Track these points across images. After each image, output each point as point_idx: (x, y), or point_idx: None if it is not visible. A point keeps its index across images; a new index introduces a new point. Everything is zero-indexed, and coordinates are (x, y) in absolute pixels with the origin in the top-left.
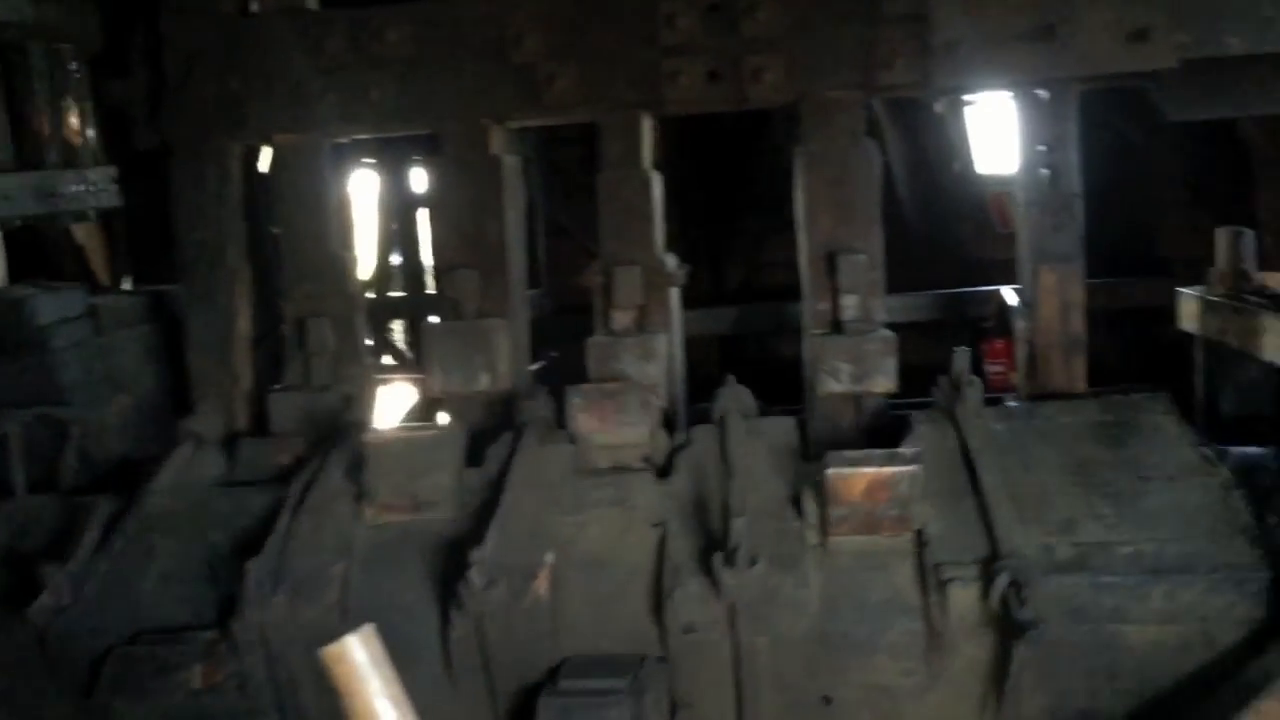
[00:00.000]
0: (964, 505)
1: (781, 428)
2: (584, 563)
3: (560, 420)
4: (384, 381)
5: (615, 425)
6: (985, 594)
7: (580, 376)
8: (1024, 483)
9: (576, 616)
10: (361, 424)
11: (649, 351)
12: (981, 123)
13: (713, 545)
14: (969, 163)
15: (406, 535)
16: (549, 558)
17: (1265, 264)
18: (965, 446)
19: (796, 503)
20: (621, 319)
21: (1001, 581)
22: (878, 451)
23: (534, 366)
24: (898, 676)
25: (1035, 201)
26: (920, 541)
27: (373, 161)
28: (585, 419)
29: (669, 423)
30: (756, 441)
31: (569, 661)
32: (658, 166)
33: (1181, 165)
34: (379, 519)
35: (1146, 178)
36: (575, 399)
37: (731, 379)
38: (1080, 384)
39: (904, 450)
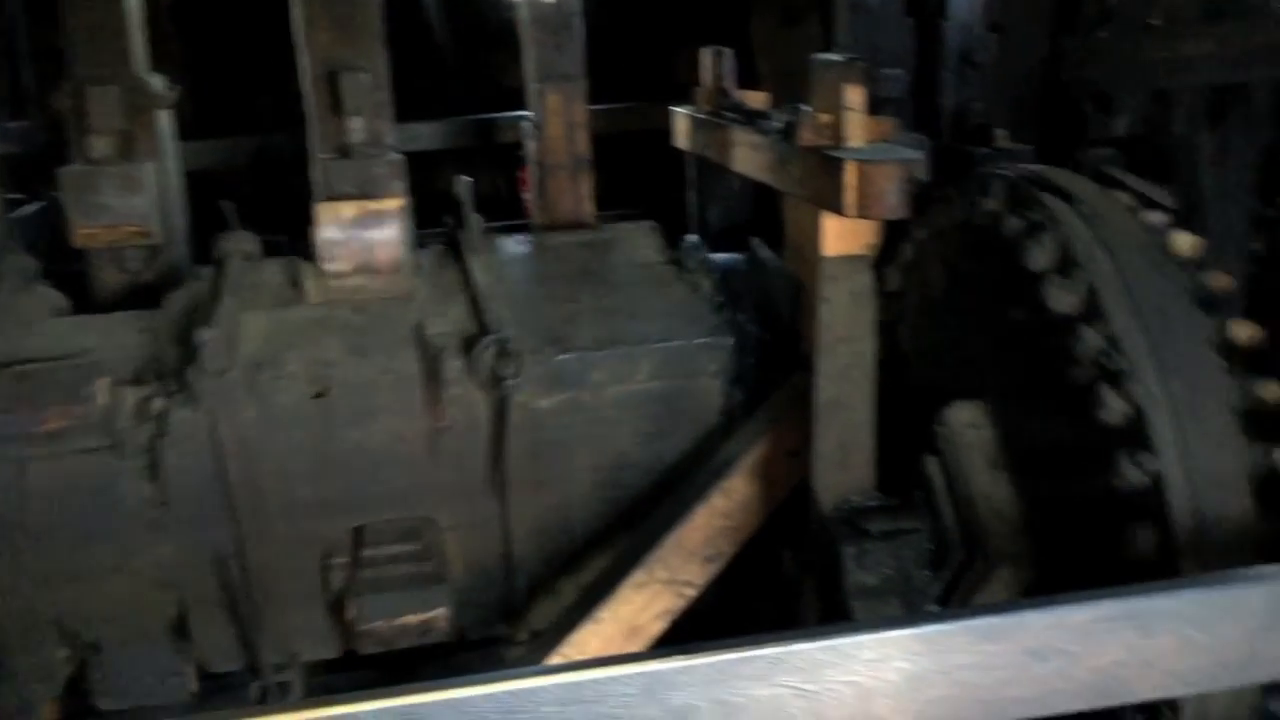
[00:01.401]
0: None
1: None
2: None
3: None
4: None
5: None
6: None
7: None
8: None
9: None
10: None
11: (133, 182)
12: None
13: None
14: None
15: None
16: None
17: (757, 84)
18: (469, 280)
19: None
20: (99, 146)
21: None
22: None
23: (27, 209)
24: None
25: (537, 20)
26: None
27: None
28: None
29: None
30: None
31: None
32: None
33: None
34: None
35: (662, 4)
36: None
37: (228, 207)
38: (587, 204)
39: None
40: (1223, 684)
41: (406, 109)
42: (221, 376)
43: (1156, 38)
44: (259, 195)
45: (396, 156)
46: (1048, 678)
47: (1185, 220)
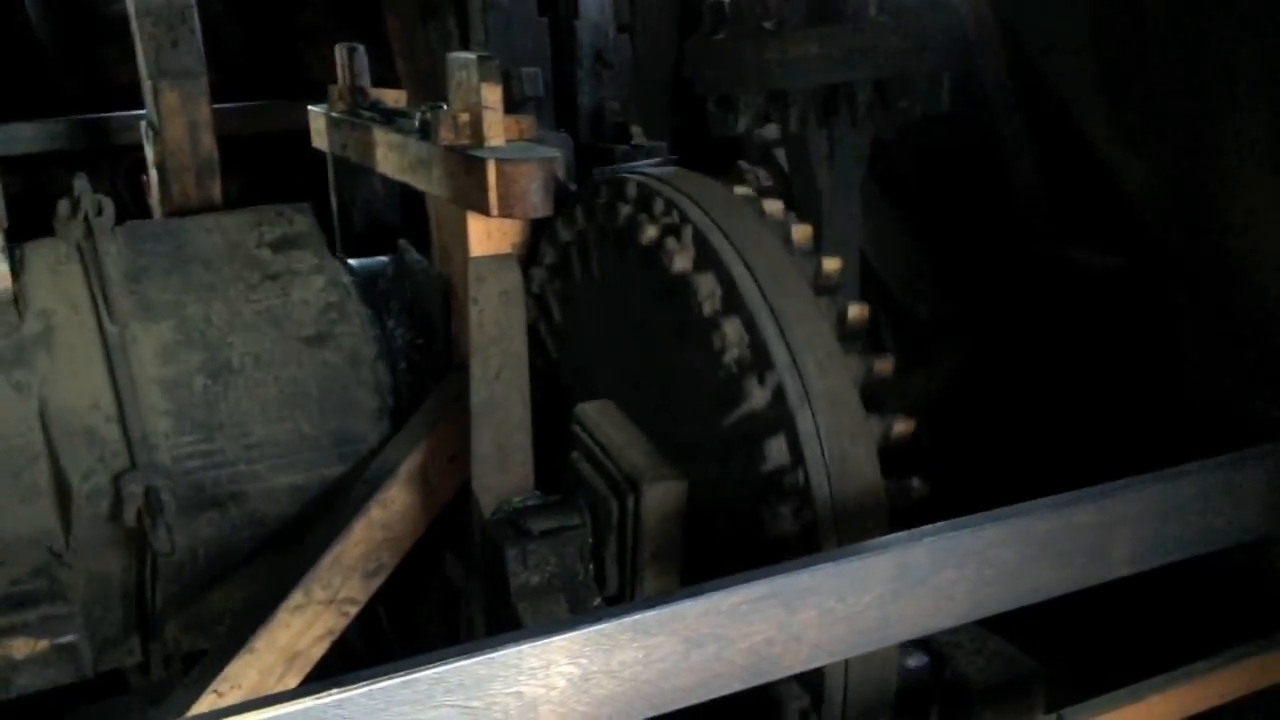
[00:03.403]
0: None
1: None
2: None
3: None
4: None
5: None
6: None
7: None
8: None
9: None
10: None
11: None
12: None
13: None
14: None
15: None
16: None
17: (395, 83)
18: (98, 295)
19: None
20: None
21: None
22: None
23: None
24: None
25: (148, 14)
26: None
27: None
28: None
29: None
30: None
31: None
32: None
33: None
34: None
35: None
36: None
37: None
38: (217, 208)
39: None
40: (861, 649)
41: (6, 109)
42: None
43: (769, 40)
44: None
45: None
46: (706, 663)
47: (803, 213)
